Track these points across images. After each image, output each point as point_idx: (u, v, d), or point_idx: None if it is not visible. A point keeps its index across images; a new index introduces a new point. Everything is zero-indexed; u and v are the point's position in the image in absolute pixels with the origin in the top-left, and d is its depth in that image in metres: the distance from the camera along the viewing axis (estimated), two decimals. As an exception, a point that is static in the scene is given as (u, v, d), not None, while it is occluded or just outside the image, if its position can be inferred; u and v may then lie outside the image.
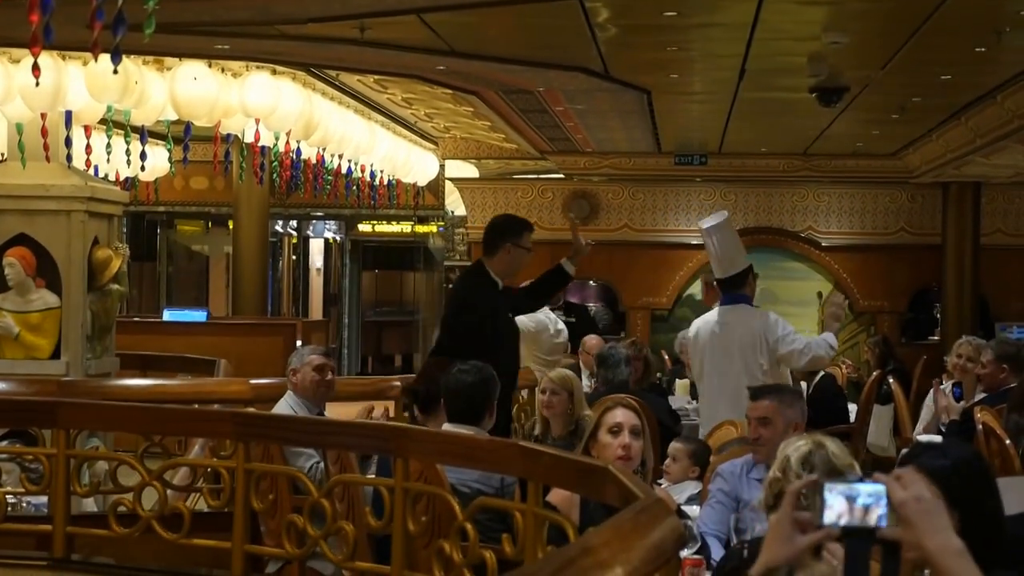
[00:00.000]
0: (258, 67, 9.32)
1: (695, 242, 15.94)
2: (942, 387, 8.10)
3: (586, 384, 9.66)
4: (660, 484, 5.93)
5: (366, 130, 11.83)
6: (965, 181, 14.96)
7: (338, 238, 22.35)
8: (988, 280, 15.36)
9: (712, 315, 7.81)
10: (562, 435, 6.70)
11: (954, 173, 14.34)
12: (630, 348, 8.92)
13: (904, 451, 6.57)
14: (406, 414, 6.26)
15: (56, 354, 8.23)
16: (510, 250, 6.83)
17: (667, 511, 2.98)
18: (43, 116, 8.28)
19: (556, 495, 4.55)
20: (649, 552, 2.58)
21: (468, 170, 17.00)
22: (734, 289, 7.69)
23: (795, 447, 3.84)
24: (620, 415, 5.06)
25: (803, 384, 9.71)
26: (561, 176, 16.33)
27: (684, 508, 5.21)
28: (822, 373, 10.10)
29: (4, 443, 6.46)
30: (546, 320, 9.62)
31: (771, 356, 7.44)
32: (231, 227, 15.46)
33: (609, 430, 5.04)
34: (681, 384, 10.73)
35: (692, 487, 6.07)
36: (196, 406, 6.75)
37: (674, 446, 6.33)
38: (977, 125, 11.58)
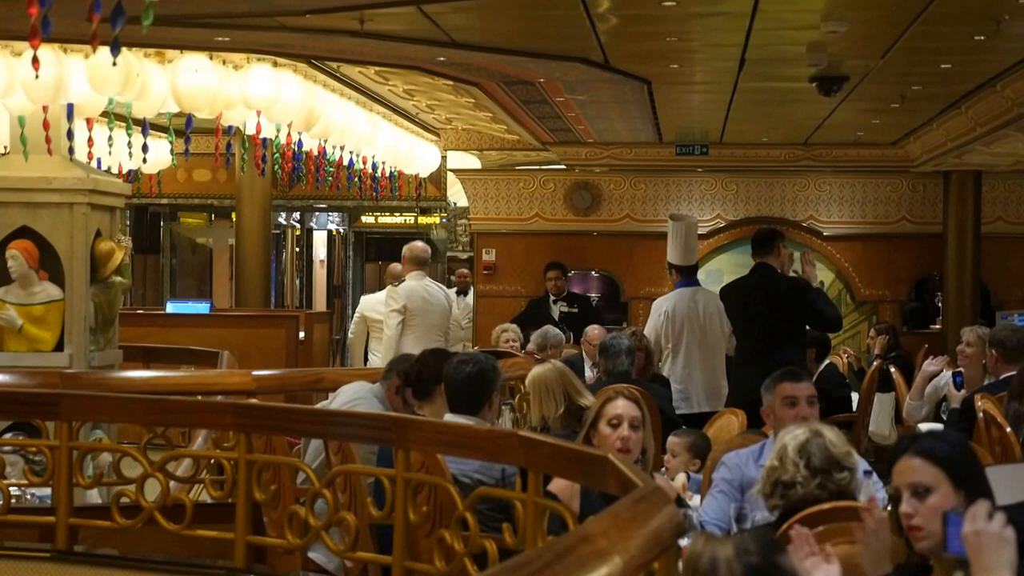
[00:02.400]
0: (259, 59, 9.32)
1: (696, 233, 15.94)
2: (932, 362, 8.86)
3: (588, 374, 9.70)
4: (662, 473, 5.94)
5: (368, 122, 11.82)
6: (966, 169, 14.93)
7: (341, 230, 22.38)
8: (989, 268, 15.34)
9: (682, 294, 9.85)
10: (561, 426, 6.70)
11: (955, 162, 14.32)
12: (632, 339, 8.91)
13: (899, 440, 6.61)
14: (398, 397, 6.28)
15: (59, 346, 8.24)
16: (782, 249, 8.82)
17: (666, 500, 3.00)
18: (45, 109, 8.30)
19: (557, 484, 4.57)
20: (647, 540, 2.58)
21: (470, 161, 16.98)
22: (693, 275, 10.11)
23: (792, 436, 3.86)
24: (620, 406, 5.08)
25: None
26: (563, 167, 16.32)
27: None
28: (826, 362, 10.11)
29: (8, 435, 6.48)
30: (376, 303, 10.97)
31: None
32: (234, 219, 15.48)
33: (609, 422, 5.06)
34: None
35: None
36: (199, 398, 6.75)
37: (672, 440, 6.30)
38: (977, 114, 11.57)
